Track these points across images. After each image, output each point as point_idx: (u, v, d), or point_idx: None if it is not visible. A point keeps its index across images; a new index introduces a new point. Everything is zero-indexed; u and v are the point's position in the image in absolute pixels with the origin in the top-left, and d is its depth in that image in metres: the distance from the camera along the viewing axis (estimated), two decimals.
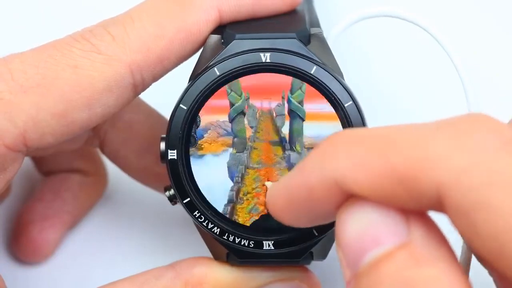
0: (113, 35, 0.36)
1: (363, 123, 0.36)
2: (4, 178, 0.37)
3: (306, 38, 0.37)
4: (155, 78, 0.38)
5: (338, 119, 0.36)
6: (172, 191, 0.37)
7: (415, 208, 0.28)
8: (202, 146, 0.37)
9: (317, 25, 0.39)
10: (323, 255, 0.38)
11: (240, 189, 0.37)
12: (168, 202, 0.38)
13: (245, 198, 0.37)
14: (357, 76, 0.47)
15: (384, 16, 0.39)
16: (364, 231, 0.28)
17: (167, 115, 0.43)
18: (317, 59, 0.36)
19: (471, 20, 0.53)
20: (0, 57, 0.37)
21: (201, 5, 0.37)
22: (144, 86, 0.37)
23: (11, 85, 0.35)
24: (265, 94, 0.37)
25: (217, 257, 0.38)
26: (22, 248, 0.45)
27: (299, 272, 0.38)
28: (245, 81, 0.36)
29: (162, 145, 0.37)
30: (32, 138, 0.36)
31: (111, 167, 0.47)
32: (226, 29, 0.37)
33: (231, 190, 0.37)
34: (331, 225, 0.36)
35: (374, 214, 0.28)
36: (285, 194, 0.30)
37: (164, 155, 0.36)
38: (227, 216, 0.37)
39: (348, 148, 0.28)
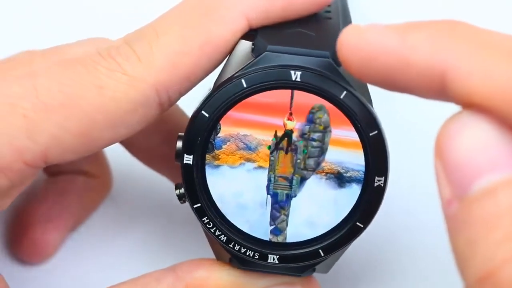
0: (138, 54, 0.36)
1: (385, 154, 0.35)
2: (19, 190, 0.37)
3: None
4: (182, 94, 0.37)
5: (362, 148, 0.35)
6: (182, 190, 0.37)
7: None
8: (220, 156, 0.36)
9: None
10: (326, 270, 0.38)
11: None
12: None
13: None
14: None
15: None
16: (482, 150, 0.25)
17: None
18: (347, 84, 0.35)
19: None
20: (25, 65, 0.37)
21: (228, 16, 0.36)
22: (171, 103, 0.37)
23: (35, 103, 0.35)
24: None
25: (219, 259, 0.38)
26: (24, 249, 0.45)
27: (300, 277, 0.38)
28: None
29: (179, 144, 0.36)
30: (53, 156, 0.35)
31: (115, 168, 0.47)
32: (258, 37, 0.36)
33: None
34: (339, 246, 0.36)
35: (497, 133, 0.25)
36: (369, 49, 0.28)
37: (180, 156, 0.36)
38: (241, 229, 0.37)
39: (477, 45, 0.26)
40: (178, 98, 0.37)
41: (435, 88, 0.27)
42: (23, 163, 0.35)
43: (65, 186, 0.46)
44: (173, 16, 0.37)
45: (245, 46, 0.36)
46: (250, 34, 0.36)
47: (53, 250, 0.45)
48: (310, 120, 0.35)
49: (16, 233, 0.45)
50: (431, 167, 0.44)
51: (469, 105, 0.26)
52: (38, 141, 0.35)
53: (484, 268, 0.25)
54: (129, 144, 0.44)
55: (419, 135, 0.49)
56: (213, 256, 0.39)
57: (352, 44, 0.29)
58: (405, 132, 0.49)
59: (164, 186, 0.45)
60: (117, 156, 0.46)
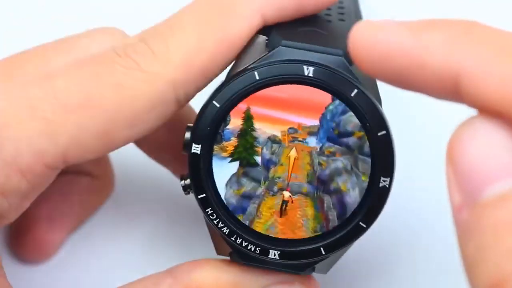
0: (154, 51, 0.35)
1: (392, 154, 0.35)
2: (38, 192, 0.37)
3: None
4: (198, 90, 0.37)
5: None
6: (188, 181, 0.36)
7: None
8: (227, 148, 0.36)
9: None
10: (325, 270, 0.38)
11: (261, 203, 0.36)
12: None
13: (263, 213, 0.36)
14: None
15: None
16: (495, 156, 0.24)
17: None
18: (359, 82, 0.35)
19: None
20: (39, 63, 0.37)
21: (244, 13, 0.36)
22: (188, 99, 0.36)
23: (54, 104, 0.35)
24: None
25: (220, 253, 0.38)
26: (26, 248, 0.45)
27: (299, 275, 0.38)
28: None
29: (187, 135, 0.36)
30: (72, 156, 0.35)
31: (117, 170, 0.47)
32: (272, 32, 0.36)
33: (253, 202, 0.36)
34: (340, 245, 0.36)
35: (510, 140, 0.24)
36: (382, 48, 0.28)
37: (188, 145, 0.36)
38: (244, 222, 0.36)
39: (494, 47, 0.25)
40: (195, 94, 0.37)
41: (449, 90, 0.27)
42: (43, 165, 0.35)
43: (68, 186, 0.46)
44: (188, 12, 0.37)
45: (259, 40, 0.36)
46: (265, 29, 0.36)
47: (55, 250, 0.45)
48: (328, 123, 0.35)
49: (18, 232, 0.45)
50: (436, 168, 0.44)
51: (483, 109, 0.25)
52: (58, 142, 0.35)
53: (492, 278, 0.24)
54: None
55: (424, 135, 0.49)
56: (213, 254, 0.38)
57: (364, 42, 0.29)
58: (412, 132, 0.49)
59: (165, 188, 0.46)
60: (120, 157, 0.47)
